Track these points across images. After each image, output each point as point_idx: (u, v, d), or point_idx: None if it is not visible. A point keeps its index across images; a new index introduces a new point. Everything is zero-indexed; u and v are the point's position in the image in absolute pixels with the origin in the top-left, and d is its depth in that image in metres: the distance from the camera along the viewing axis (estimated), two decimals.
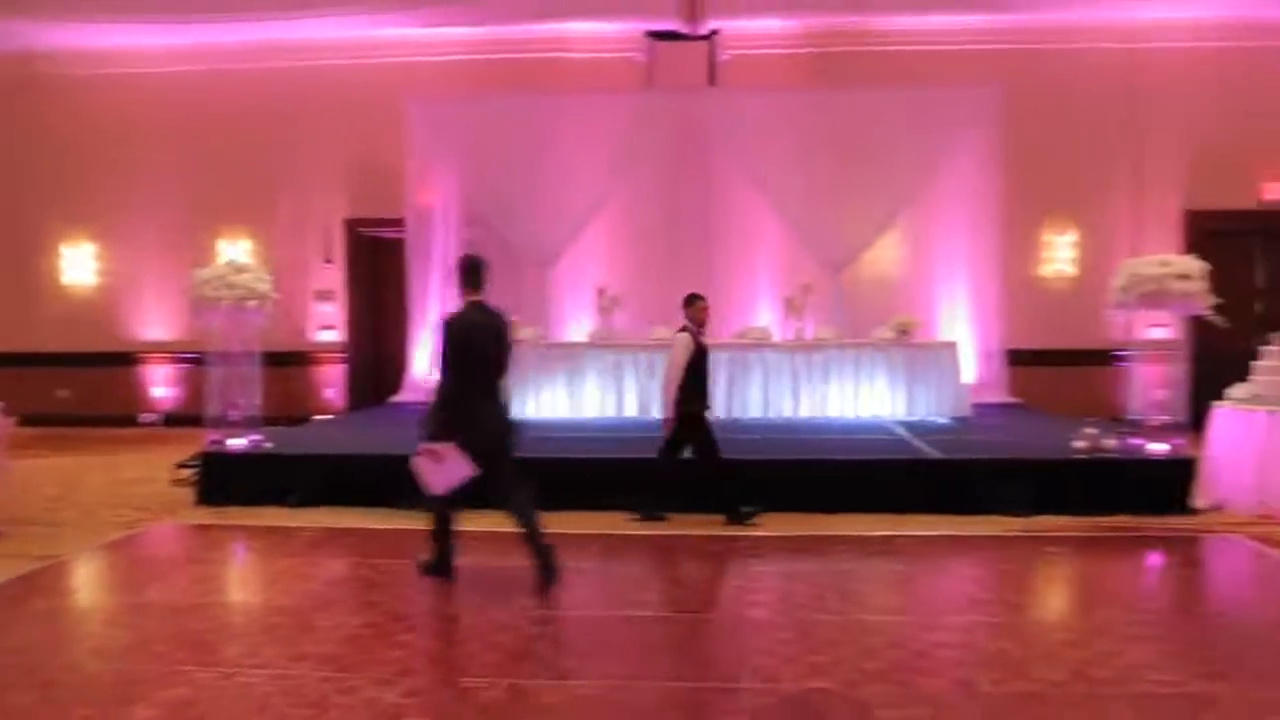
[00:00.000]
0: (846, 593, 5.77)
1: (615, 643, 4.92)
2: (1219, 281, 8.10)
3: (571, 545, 6.02)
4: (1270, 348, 7.97)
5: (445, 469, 5.35)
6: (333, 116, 12.88)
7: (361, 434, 9.74)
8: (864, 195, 11.75)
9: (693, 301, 7.46)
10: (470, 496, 5.53)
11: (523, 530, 5.57)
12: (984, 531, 7.12)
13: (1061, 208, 12.22)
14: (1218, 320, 8.01)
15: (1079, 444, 7.95)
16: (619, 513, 7.38)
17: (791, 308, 11.35)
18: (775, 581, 6.12)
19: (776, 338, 11.26)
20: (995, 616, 5.37)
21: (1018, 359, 11.79)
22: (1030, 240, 12.23)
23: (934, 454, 8.09)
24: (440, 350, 5.52)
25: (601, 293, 11.49)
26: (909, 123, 11.66)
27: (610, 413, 10.79)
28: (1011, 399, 11.55)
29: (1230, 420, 7.90)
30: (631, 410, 10.78)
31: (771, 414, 10.71)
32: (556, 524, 5.85)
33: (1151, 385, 8.70)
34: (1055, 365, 11.83)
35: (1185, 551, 6.86)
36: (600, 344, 11.10)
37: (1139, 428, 8.25)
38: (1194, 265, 7.98)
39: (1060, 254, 12.24)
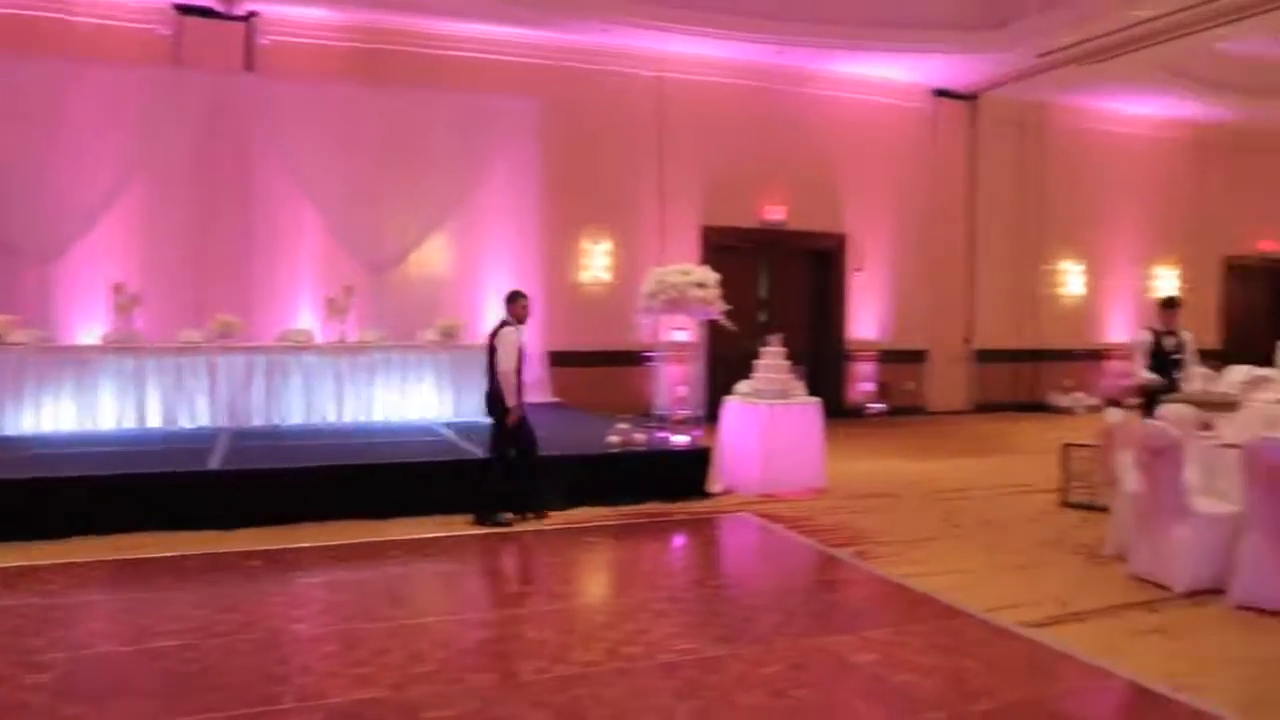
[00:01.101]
0: (396, 598, 5.70)
1: (134, 680, 4.43)
2: (729, 290, 9.10)
3: (76, 575, 5.35)
4: (768, 349, 9.10)
5: None
6: None
7: None
8: (409, 197, 11.69)
9: (516, 299, 7.72)
10: None
11: None
12: (529, 527, 7.39)
13: (598, 218, 13.07)
14: (728, 324, 9.02)
15: (612, 439, 8.56)
16: (148, 534, 6.73)
17: (334, 309, 11.00)
18: (320, 593, 5.89)
19: (319, 340, 10.86)
20: (539, 607, 5.59)
21: (559, 360, 12.41)
22: (570, 247, 12.93)
23: (481, 454, 8.26)
24: None
25: (118, 290, 10.31)
26: (454, 128, 11.81)
27: (130, 424, 9.73)
28: (554, 399, 12.11)
29: (737, 413, 8.93)
30: (155, 421, 9.81)
31: (315, 419, 10.30)
32: (56, 552, 5.16)
33: (675, 383, 9.60)
34: (593, 366, 12.61)
35: (704, 531, 7.63)
36: (117, 347, 9.97)
37: (664, 422, 9.05)
38: (709, 275, 8.89)
39: (597, 261, 13.06)
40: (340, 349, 10.67)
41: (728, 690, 4.28)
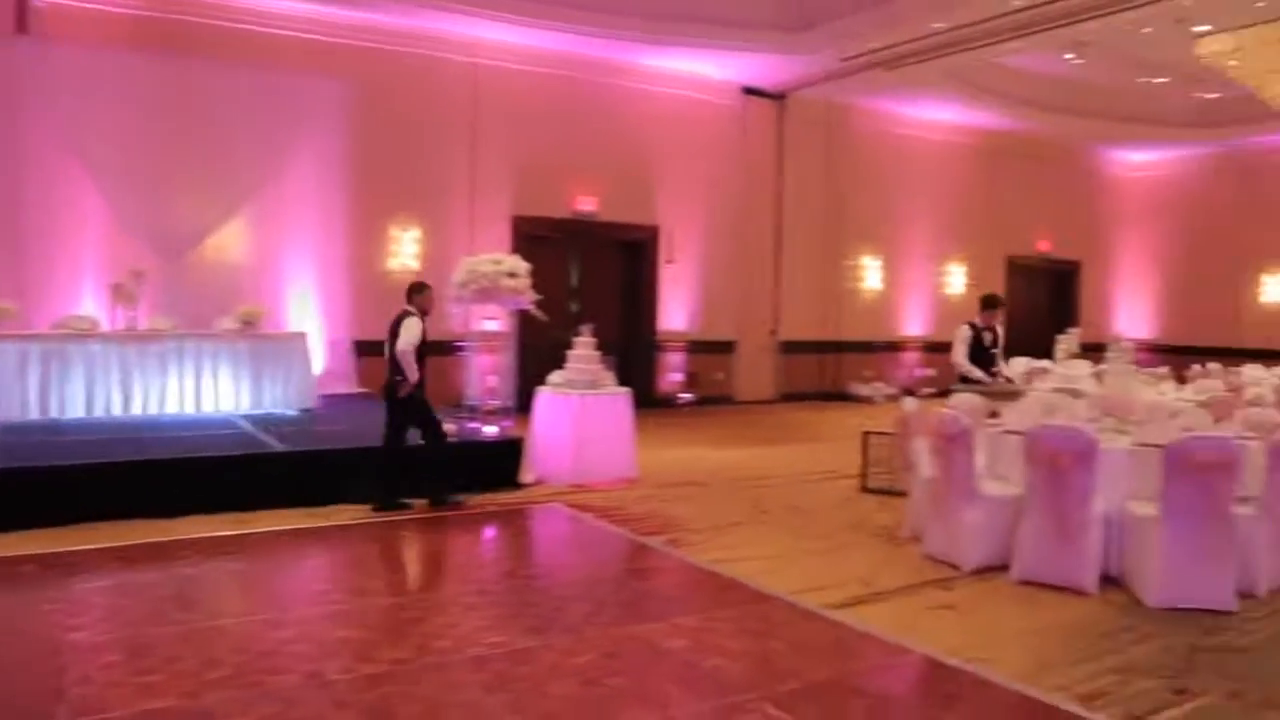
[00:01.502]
0: (188, 601, 5.35)
1: None
2: (540, 280, 9.03)
3: None
4: (580, 339, 9.08)
5: None
6: None
7: None
8: (204, 178, 11.01)
9: (422, 290, 7.84)
10: None
11: None
12: (334, 522, 7.11)
13: (407, 205, 12.68)
14: (540, 314, 8.95)
15: None
16: None
17: (121, 295, 10.23)
18: (102, 598, 5.46)
19: (104, 328, 10.09)
20: (345, 604, 5.37)
21: (367, 350, 11.97)
22: (378, 234, 12.50)
23: (281, 447, 7.89)
24: None
25: None
26: (255, 107, 11.20)
27: None
28: (360, 389, 11.71)
29: (549, 403, 8.87)
30: None
31: (98, 412, 9.56)
32: None
33: (485, 373, 9.44)
34: None
35: (515, 523, 7.54)
36: None
37: (475, 412, 8.89)
38: (521, 264, 8.79)
39: (406, 249, 12.69)
40: (128, 337, 9.93)
41: (539, 681, 4.22)
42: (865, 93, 15.59)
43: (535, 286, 8.84)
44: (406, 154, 12.57)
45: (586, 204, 13.91)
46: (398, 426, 7.64)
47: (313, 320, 11.72)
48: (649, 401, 13.72)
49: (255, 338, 10.39)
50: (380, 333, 11.99)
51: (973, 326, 9.03)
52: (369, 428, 8.63)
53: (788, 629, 5.05)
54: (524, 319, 9.38)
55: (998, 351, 8.96)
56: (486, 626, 4.94)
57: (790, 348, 15.98)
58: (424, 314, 7.77)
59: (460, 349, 10.03)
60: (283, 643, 4.62)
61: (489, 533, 7.35)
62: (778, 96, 15.60)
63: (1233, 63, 14.64)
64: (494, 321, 9.51)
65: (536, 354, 10.16)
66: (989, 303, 9.23)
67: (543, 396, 9.00)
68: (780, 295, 15.90)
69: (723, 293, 15.22)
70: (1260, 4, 12.49)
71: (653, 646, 4.71)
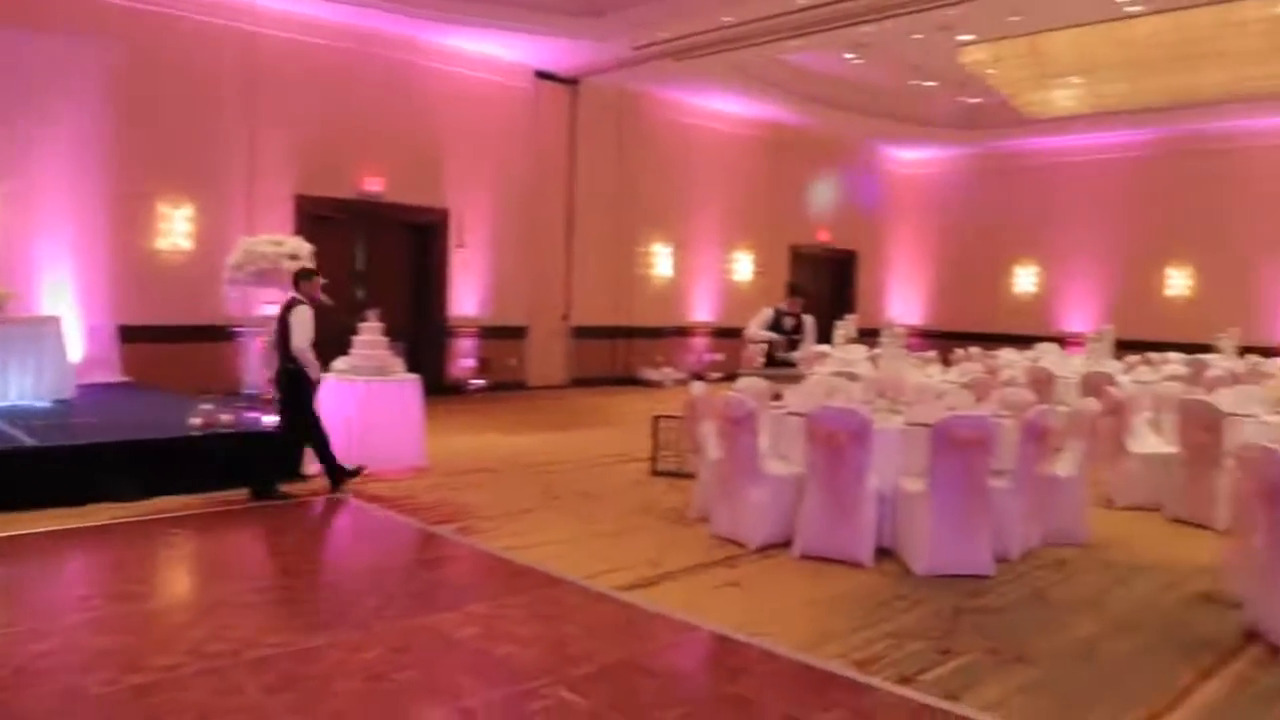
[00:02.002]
0: None
1: None
2: (325, 262, 8.68)
3: None
4: (366, 324, 8.78)
5: None
6: None
7: None
8: None
9: (310, 277, 7.70)
10: None
11: None
12: (97, 522, 6.58)
13: (179, 181, 11.83)
14: (324, 299, 8.57)
15: (195, 420, 7.84)
16: None
17: None
18: None
19: None
20: (106, 610, 4.97)
21: (132, 336, 11.18)
22: (145, 212, 11.61)
23: (33, 442, 7.22)
24: None
25: None
26: (3, 68, 10.21)
27: None
28: (123, 378, 10.91)
29: (333, 390, 8.52)
30: None
31: None
32: None
33: (265, 359, 8.97)
34: (172, 341, 11.46)
35: (297, 516, 7.21)
36: None
37: (254, 401, 8.44)
38: (303, 246, 8.42)
39: (177, 228, 11.84)
40: None
41: (324, 680, 4.05)
42: (657, 81, 15.83)
43: (319, 269, 8.47)
44: (178, 126, 11.75)
45: (374, 184, 13.46)
46: (303, 411, 7.55)
47: (70, 304, 10.80)
48: (440, 388, 13.48)
49: (2, 323, 9.46)
50: (149, 316, 11.33)
51: (776, 310, 9.36)
52: (131, 419, 8.05)
53: (579, 613, 5.06)
54: None
55: (799, 337, 9.30)
56: (266, 626, 4.70)
57: (582, 333, 16.07)
58: (312, 301, 7.62)
59: (236, 334, 9.51)
60: (36, 656, 4.23)
61: (270, 527, 6.98)
62: (570, 81, 15.60)
63: (991, 71, 15.78)
64: (274, 305, 9.05)
65: (321, 339, 9.74)
66: (792, 289, 9.61)
67: (327, 383, 8.64)
68: (572, 280, 15.95)
69: (514, 277, 15.11)
70: (1014, 19, 13.50)
71: (443, 637, 4.61)
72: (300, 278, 7.80)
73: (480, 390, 14.54)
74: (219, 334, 10.89)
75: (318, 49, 12.78)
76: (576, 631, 4.76)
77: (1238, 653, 4.76)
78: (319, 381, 7.64)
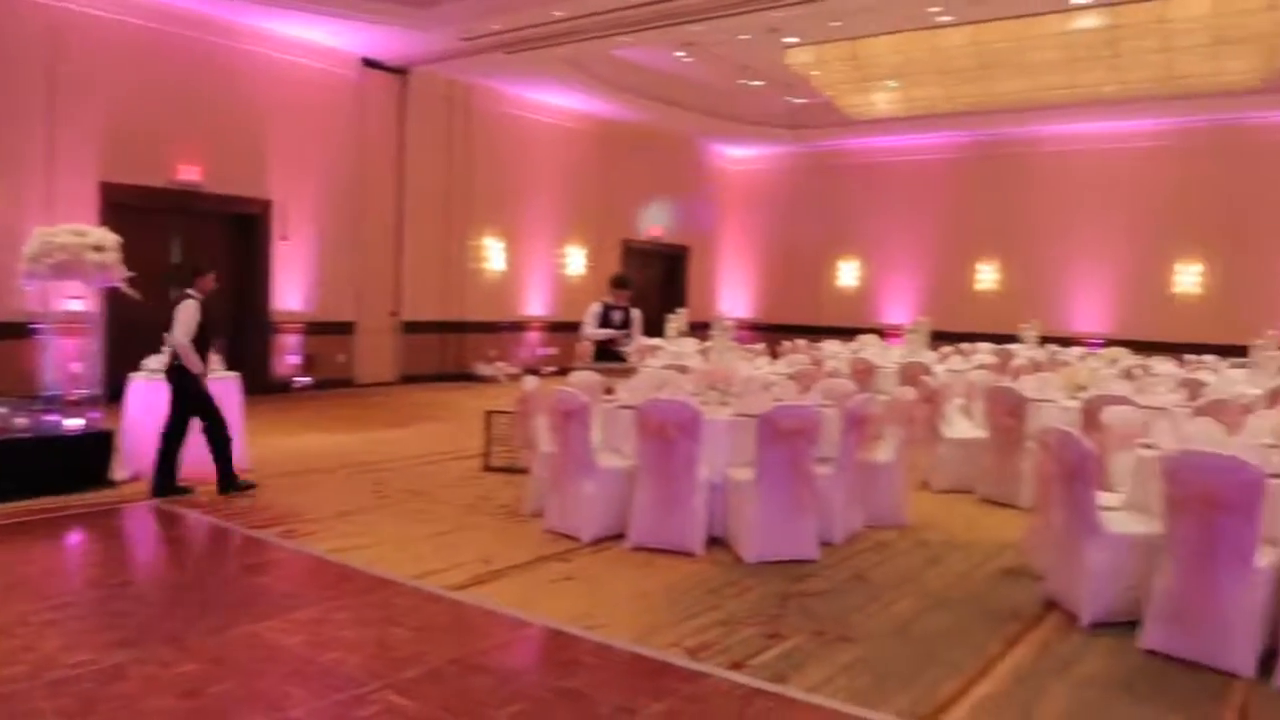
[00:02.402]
0: None
1: None
2: (135, 255, 8.18)
3: None
4: None
5: None
6: None
7: None
8: None
9: (204, 272, 7.60)
10: None
11: None
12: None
13: None
14: (132, 293, 8.10)
15: None
16: None
17: None
18: None
19: None
20: None
21: None
22: None
23: None
24: None
25: None
26: None
27: None
28: None
29: (145, 391, 8.05)
30: None
31: None
32: None
33: (67, 359, 8.39)
34: None
35: (106, 525, 6.77)
36: None
37: (55, 403, 7.89)
38: (108, 237, 7.90)
39: None
40: None
41: (133, 699, 3.81)
42: (489, 74, 15.64)
43: (128, 262, 7.98)
44: None
45: (190, 173, 12.78)
46: (180, 413, 7.40)
47: None
48: (263, 386, 12.96)
49: None
50: None
51: (604, 305, 9.38)
52: None
53: (410, 614, 4.94)
54: (115, 297, 8.46)
55: (628, 331, 9.36)
56: (69, 645, 4.39)
57: (413, 328, 15.74)
58: (204, 296, 7.49)
59: (34, 331, 8.85)
60: None
61: (74, 538, 6.54)
62: (399, 71, 15.24)
63: (816, 73, 16.32)
64: (78, 300, 8.48)
65: (132, 337, 9.20)
66: (617, 282, 9.63)
67: (136, 384, 8.16)
68: (402, 275, 15.60)
69: (342, 271, 14.66)
70: (836, 24, 13.99)
71: (265, 646, 4.42)
72: (189, 272, 7.66)
73: (306, 388, 14.04)
74: (14, 331, 10.12)
75: (128, 28, 12.02)
76: (406, 634, 4.65)
77: (1040, 621, 5.08)
78: (202, 376, 7.42)
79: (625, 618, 4.94)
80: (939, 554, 6.37)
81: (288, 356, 14.09)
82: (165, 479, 7.40)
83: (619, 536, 6.28)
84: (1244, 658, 4.39)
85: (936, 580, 5.80)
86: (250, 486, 7.66)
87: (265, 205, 13.70)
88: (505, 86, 16.55)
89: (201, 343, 7.49)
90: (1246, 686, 4.29)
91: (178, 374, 7.41)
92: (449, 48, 14.17)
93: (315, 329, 14.40)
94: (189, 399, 7.44)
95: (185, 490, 7.43)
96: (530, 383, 7.42)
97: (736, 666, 4.34)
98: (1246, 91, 14.87)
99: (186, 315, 7.37)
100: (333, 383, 14.47)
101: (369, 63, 14.82)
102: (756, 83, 17.78)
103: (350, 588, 5.35)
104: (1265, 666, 4.38)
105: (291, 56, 13.78)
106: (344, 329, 14.80)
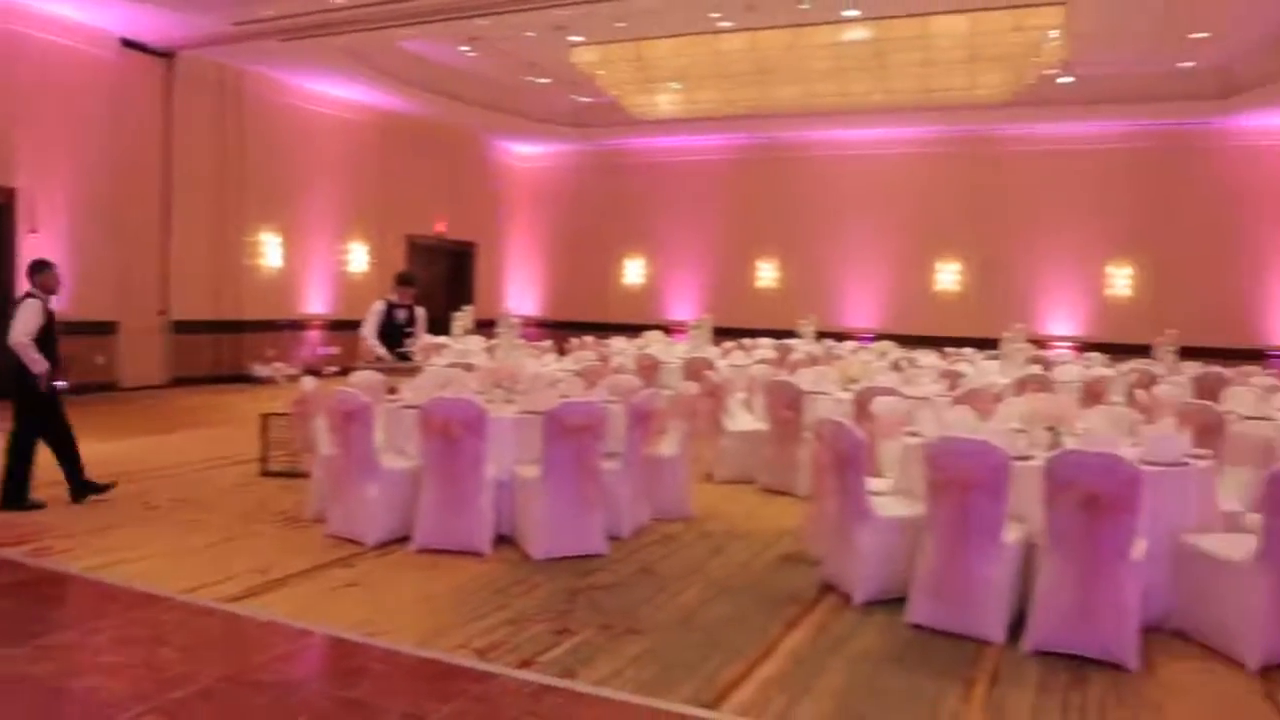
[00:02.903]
0: None
1: None
2: None
3: None
4: None
5: None
6: None
7: None
8: None
9: (43, 268, 7.23)
10: None
11: None
12: None
13: None
14: None
15: None
16: None
17: None
18: None
19: None
20: None
21: None
22: None
23: None
24: None
25: None
26: None
27: None
28: None
29: None
30: None
31: None
32: None
33: None
34: None
35: None
36: None
37: None
38: None
39: None
40: None
41: None
42: (263, 61, 14.94)
43: None
44: None
45: None
46: (30, 418, 7.10)
47: None
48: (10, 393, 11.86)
49: None
50: None
51: (387, 303, 9.17)
52: None
53: (179, 631, 4.65)
54: None
55: (413, 330, 9.18)
56: None
57: (183, 328, 14.84)
58: (49, 294, 7.20)
59: None
60: None
61: None
62: (164, 54, 14.31)
63: (601, 73, 16.48)
64: None
65: None
66: (401, 280, 9.44)
67: None
68: (170, 271, 14.67)
69: (100, 267, 13.59)
70: (621, 25, 14.18)
71: (9, 679, 4.05)
72: (33, 269, 7.32)
73: (62, 393, 12.93)
74: None
75: None
76: (174, 652, 4.37)
77: (817, 603, 5.33)
78: (42, 376, 7.02)
79: (411, 622, 4.83)
80: (722, 544, 6.57)
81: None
82: (78, 482, 7.17)
83: (405, 539, 6.14)
84: (995, 626, 4.76)
85: (720, 569, 5.99)
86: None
87: (10, 194, 12.54)
88: (282, 75, 15.84)
89: (46, 349, 7.03)
90: (998, 651, 4.65)
91: (16, 378, 6.99)
92: (218, 31, 13.40)
93: (71, 329, 13.19)
94: (34, 406, 7.04)
95: (104, 487, 7.25)
96: (309, 383, 7.14)
97: (525, 664, 4.33)
98: (997, 105, 16.12)
99: (25, 315, 6.98)
100: (93, 387, 13.41)
101: (129, 43, 13.83)
102: (543, 80, 17.79)
103: (112, 607, 4.98)
104: (1014, 632, 4.76)
105: (40, 33, 12.67)
106: (105, 329, 13.75)
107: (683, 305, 20.29)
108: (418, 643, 4.54)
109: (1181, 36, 14.14)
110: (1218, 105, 15.99)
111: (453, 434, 5.90)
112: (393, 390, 7.32)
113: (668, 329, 17.43)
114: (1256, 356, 15.51)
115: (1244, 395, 8.30)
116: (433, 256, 19.82)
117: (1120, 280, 17.69)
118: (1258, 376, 10.61)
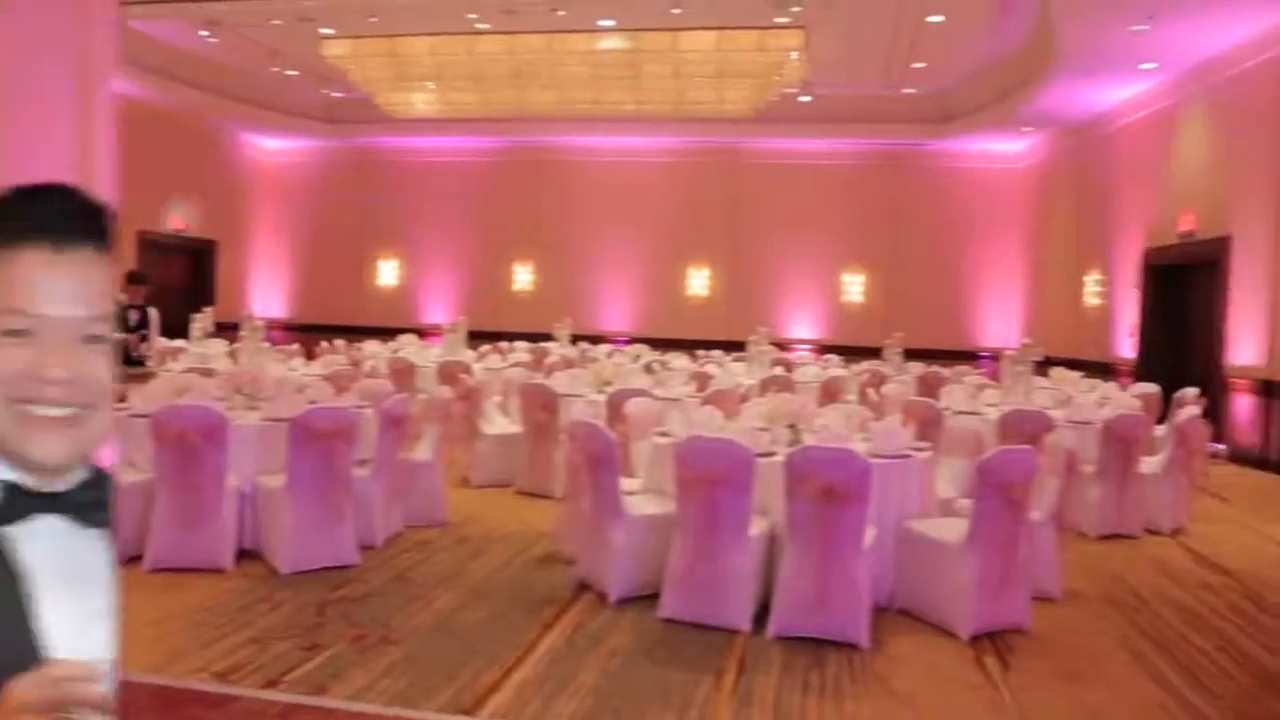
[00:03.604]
0: None
1: None
2: None
3: None
4: None
5: None
6: None
7: None
8: None
9: None
10: None
11: None
12: None
13: None
14: None
15: None
16: None
17: None
18: None
19: None
20: None
21: None
22: None
23: None
24: None
25: None
26: None
27: None
28: None
29: None
30: None
31: None
32: None
33: None
34: None
35: None
36: None
37: None
38: None
39: None
40: None
41: None
42: None
43: None
44: None
45: None
46: None
47: None
48: None
49: None
50: None
51: (119, 305, 8.49)
52: None
53: None
54: None
55: (147, 332, 8.56)
56: None
57: None
58: None
59: None
60: None
61: None
62: None
63: (352, 68, 15.99)
64: None
65: None
66: (131, 278, 8.77)
67: None
68: None
69: None
70: (374, 20, 13.82)
71: None
72: None
73: None
74: None
75: None
76: None
77: (572, 603, 5.39)
78: None
79: (142, 647, 4.49)
80: (480, 548, 6.52)
81: None
82: None
83: (137, 559, 5.71)
84: (742, 615, 4.98)
85: (477, 574, 5.94)
86: None
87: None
88: None
89: None
90: (745, 639, 4.87)
91: None
92: None
93: None
94: None
95: None
96: None
97: (271, 684, 4.12)
98: (742, 120, 16.91)
99: None
100: None
101: None
102: (291, 72, 17.06)
103: None
104: (760, 620, 5.00)
105: None
106: None
107: (438, 308, 19.99)
108: (148, 670, 4.21)
109: (905, 65, 15.35)
110: (936, 129, 17.50)
111: (190, 443, 5.54)
112: (122, 397, 6.78)
113: (422, 332, 17.13)
114: (970, 357, 17.08)
115: (958, 392, 9.11)
116: (169, 254, 18.54)
117: (854, 287, 19.00)
118: (970, 375, 11.69)
